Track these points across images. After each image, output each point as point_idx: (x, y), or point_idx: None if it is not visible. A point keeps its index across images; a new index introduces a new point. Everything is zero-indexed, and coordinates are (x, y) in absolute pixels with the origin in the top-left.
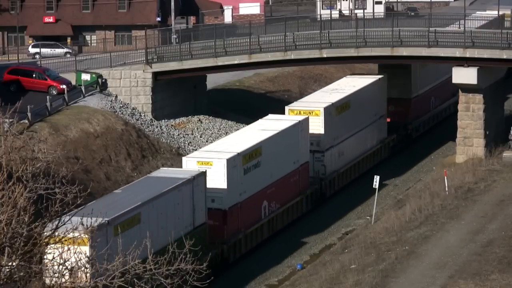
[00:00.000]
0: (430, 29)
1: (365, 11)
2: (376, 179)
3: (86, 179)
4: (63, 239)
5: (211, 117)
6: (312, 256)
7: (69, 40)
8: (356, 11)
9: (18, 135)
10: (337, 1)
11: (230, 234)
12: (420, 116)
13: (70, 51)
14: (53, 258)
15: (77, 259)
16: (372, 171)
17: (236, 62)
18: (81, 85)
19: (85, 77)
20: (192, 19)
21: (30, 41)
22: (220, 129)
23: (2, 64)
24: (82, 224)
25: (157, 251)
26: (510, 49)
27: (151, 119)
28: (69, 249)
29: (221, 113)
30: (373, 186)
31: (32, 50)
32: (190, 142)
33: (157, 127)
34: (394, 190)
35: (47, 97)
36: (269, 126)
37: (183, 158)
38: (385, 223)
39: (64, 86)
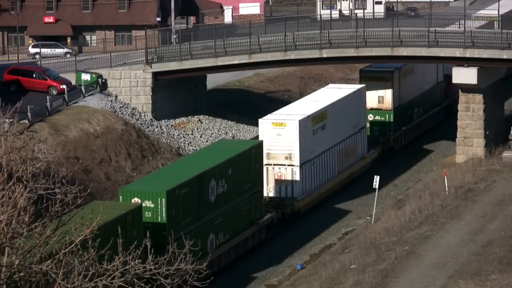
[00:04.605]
0: (430, 29)
1: (365, 11)
2: (376, 179)
3: (86, 179)
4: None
5: (211, 117)
6: (312, 256)
7: (69, 40)
8: (356, 11)
9: (18, 135)
10: (337, 1)
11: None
12: None
13: (70, 51)
14: None
15: None
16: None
17: (236, 62)
18: (81, 85)
19: (85, 77)
20: (192, 19)
21: (30, 41)
22: (220, 129)
23: (2, 64)
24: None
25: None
26: (510, 49)
27: (151, 119)
28: None
29: (221, 113)
30: (373, 186)
31: (32, 50)
32: (190, 142)
33: (157, 127)
34: (394, 190)
35: (47, 97)
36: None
37: None
38: (385, 223)
39: (64, 86)
